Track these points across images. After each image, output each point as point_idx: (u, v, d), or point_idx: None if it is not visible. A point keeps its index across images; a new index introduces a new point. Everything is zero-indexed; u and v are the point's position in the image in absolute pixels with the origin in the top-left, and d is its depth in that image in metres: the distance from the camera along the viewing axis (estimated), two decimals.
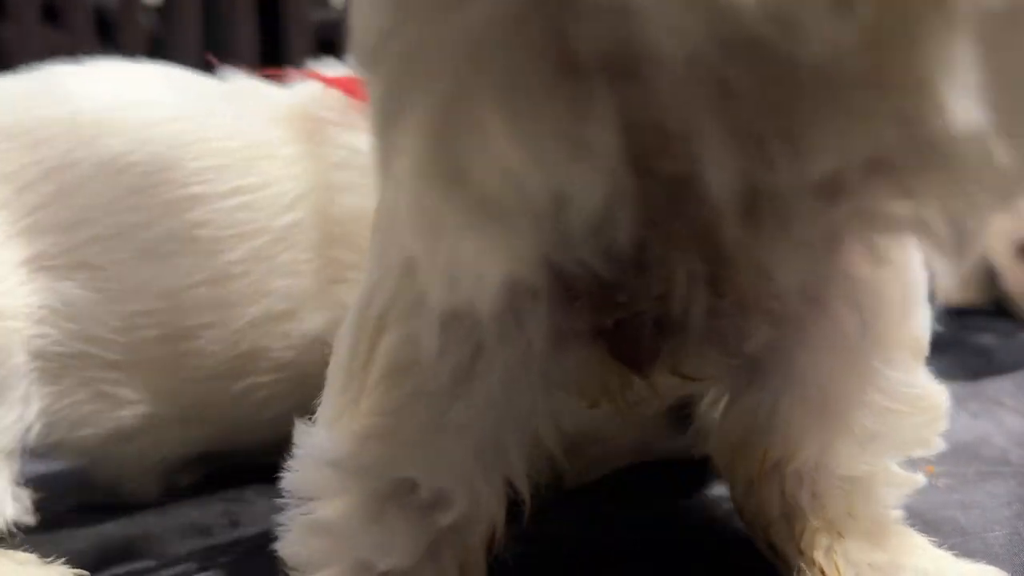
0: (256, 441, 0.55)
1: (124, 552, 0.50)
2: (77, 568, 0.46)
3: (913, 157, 0.23)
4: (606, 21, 0.21)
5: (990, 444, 0.53)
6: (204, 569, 0.47)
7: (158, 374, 0.53)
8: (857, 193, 0.25)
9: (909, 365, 0.37)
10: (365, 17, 0.24)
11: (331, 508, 0.34)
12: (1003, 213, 0.26)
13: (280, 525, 0.36)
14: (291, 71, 0.60)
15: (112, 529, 0.53)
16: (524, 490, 0.35)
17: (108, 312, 0.51)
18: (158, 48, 1.12)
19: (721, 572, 0.41)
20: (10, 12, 1.09)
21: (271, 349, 0.54)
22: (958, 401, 0.59)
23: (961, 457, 0.51)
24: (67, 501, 0.56)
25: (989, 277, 1.02)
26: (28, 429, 0.49)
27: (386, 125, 0.24)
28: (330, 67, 0.59)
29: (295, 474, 0.35)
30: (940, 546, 0.38)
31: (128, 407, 0.53)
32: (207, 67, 0.60)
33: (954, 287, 1.03)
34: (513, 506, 0.36)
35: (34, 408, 0.50)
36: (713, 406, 0.41)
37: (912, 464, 0.39)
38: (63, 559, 0.46)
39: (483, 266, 0.24)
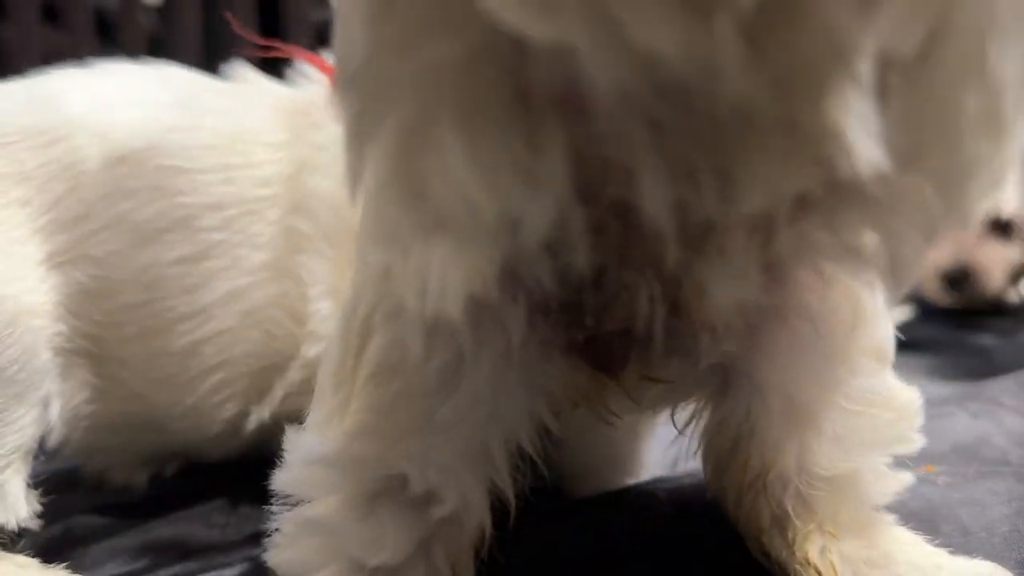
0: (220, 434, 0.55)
1: (125, 555, 0.50)
2: (77, 572, 0.46)
3: (832, 196, 0.26)
4: (552, 62, 0.23)
5: (990, 444, 0.53)
6: (205, 571, 0.47)
7: (143, 366, 0.53)
8: (790, 225, 0.27)
9: (874, 370, 0.37)
10: (345, 46, 0.27)
11: (322, 506, 0.35)
12: (930, 245, 0.28)
13: (270, 531, 0.36)
14: (294, 49, 0.60)
15: (112, 532, 0.53)
16: (508, 491, 0.35)
17: (102, 304, 0.52)
18: (158, 48, 1.12)
19: (721, 572, 0.41)
20: (10, 12, 1.09)
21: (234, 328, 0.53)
22: (958, 401, 0.60)
23: (961, 457, 0.51)
24: (67, 502, 0.56)
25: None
26: (49, 429, 0.50)
27: (358, 142, 0.27)
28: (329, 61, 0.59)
29: (285, 475, 0.36)
30: (941, 544, 0.38)
31: (117, 401, 0.53)
32: (208, 67, 0.60)
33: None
34: (506, 509, 0.36)
35: (55, 408, 0.50)
36: (698, 418, 0.42)
37: (912, 465, 0.39)
38: (64, 564, 0.46)
39: (447, 277, 0.26)
